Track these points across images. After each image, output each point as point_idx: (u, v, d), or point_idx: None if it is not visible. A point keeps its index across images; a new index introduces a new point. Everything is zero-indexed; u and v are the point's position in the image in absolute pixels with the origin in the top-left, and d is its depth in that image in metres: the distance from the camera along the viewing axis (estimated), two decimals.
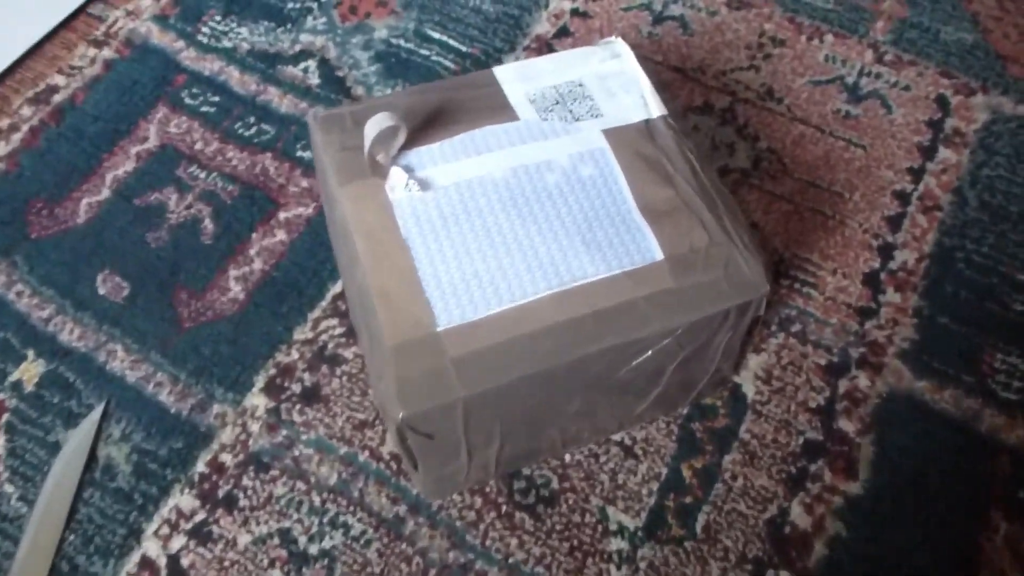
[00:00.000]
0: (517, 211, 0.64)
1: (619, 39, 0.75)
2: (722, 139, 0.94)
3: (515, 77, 0.72)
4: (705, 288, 0.62)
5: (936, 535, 0.74)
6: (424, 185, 0.64)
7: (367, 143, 0.61)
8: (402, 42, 1.02)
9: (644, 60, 0.98)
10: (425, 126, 0.68)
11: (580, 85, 0.71)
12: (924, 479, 0.76)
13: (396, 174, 0.64)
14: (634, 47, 0.99)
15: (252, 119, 0.96)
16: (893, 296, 0.85)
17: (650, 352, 0.62)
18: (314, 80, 0.99)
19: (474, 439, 0.65)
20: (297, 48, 1.02)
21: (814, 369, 0.81)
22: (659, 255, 0.63)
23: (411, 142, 0.66)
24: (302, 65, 1.00)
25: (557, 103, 0.70)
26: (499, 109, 0.69)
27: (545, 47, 1.01)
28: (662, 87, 0.74)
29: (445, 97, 0.70)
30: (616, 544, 0.74)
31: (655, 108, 0.70)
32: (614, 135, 0.68)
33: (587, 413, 0.70)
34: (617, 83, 0.72)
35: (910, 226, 0.89)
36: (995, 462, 0.77)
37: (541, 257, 0.62)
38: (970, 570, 0.72)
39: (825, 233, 0.88)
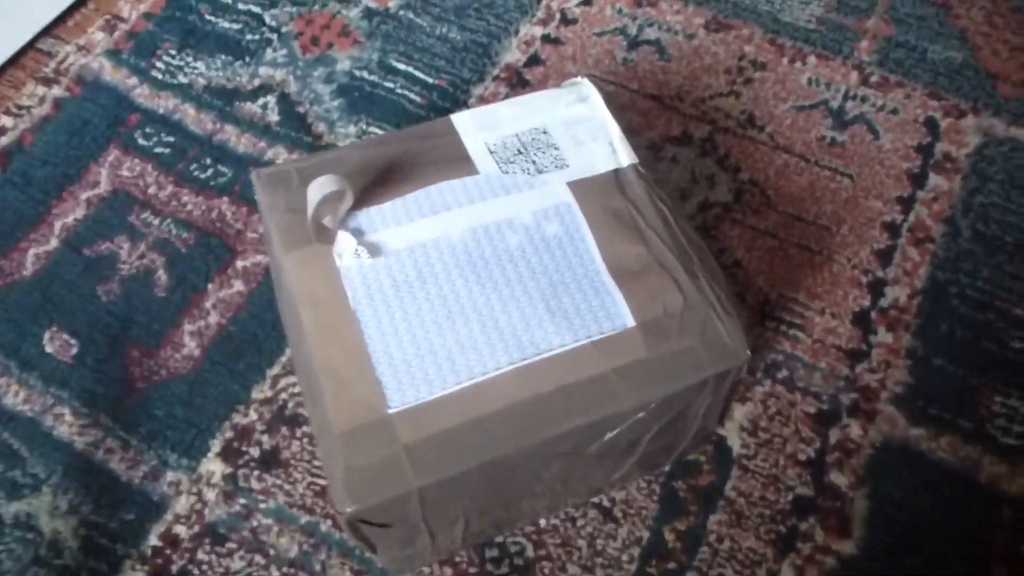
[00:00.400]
0: (476, 276, 0.59)
1: (585, 80, 0.70)
2: (702, 171, 0.90)
3: (474, 125, 0.67)
4: (681, 357, 0.57)
5: None
6: (375, 250, 0.60)
7: (310, 208, 0.57)
8: (366, 74, 0.97)
9: (619, 89, 0.94)
10: (377, 182, 0.63)
11: (544, 132, 0.67)
12: (921, 535, 0.72)
13: (344, 240, 0.59)
14: (608, 75, 0.95)
15: (208, 160, 0.91)
16: (885, 336, 0.81)
17: (623, 427, 0.58)
18: (273, 117, 0.94)
19: (435, 522, 0.60)
20: (256, 83, 0.97)
21: (803, 418, 0.77)
22: (630, 321, 0.58)
23: (362, 201, 0.62)
24: (261, 101, 0.95)
25: (519, 153, 0.65)
26: (457, 162, 0.65)
27: (515, 76, 0.96)
28: (633, 128, 0.69)
29: (399, 149, 0.65)
30: None
31: (624, 156, 0.66)
32: (581, 188, 0.64)
33: (559, 482, 0.65)
34: (584, 129, 0.67)
35: (901, 260, 0.85)
36: (996, 514, 0.72)
37: (502, 328, 0.57)
38: None
39: (812, 270, 0.84)
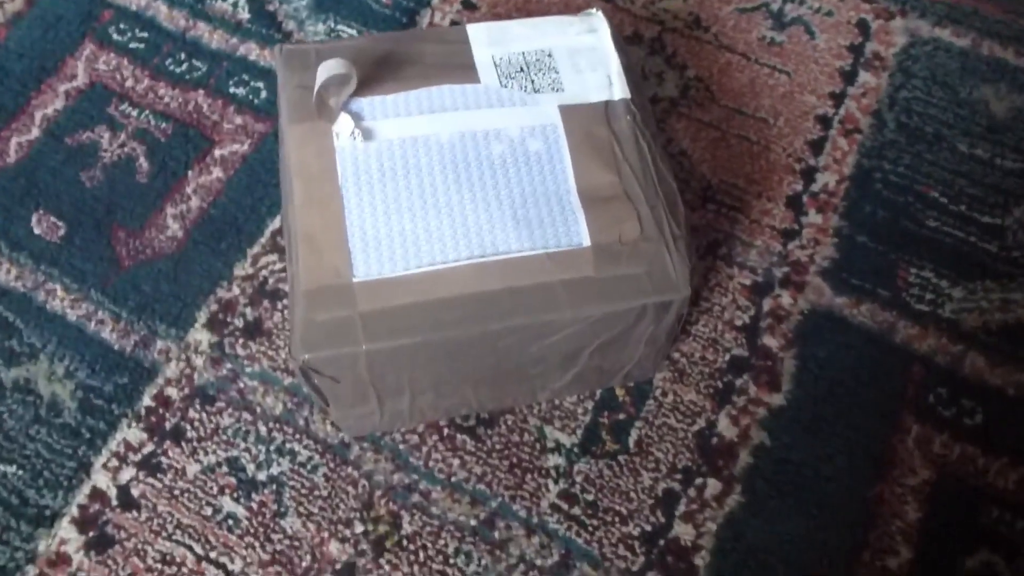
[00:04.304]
0: (456, 176, 0.65)
1: (600, 13, 0.75)
2: (651, 69, 0.96)
3: (486, 38, 0.72)
4: (625, 281, 0.63)
5: (853, 440, 0.78)
6: (369, 135, 0.65)
7: (316, 85, 0.62)
8: None
9: None
10: (386, 74, 0.68)
11: (549, 55, 0.71)
12: (842, 389, 0.81)
13: (343, 121, 0.65)
14: None
15: (183, 55, 0.96)
16: (815, 217, 0.89)
17: (561, 335, 0.64)
18: (244, 15, 0.98)
19: (382, 388, 0.67)
20: None
21: (739, 289, 0.85)
22: (586, 241, 0.64)
23: (368, 89, 0.67)
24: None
25: (521, 71, 0.70)
26: (462, 68, 0.70)
27: None
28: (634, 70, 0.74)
29: (413, 48, 0.70)
30: (553, 460, 0.77)
31: (619, 90, 0.70)
32: (570, 112, 0.69)
33: (501, 381, 0.72)
34: (586, 59, 0.72)
35: (831, 149, 0.92)
36: (908, 370, 0.81)
37: (468, 224, 0.63)
38: (884, 470, 0.77)
39: (751, 159, 0.91)
